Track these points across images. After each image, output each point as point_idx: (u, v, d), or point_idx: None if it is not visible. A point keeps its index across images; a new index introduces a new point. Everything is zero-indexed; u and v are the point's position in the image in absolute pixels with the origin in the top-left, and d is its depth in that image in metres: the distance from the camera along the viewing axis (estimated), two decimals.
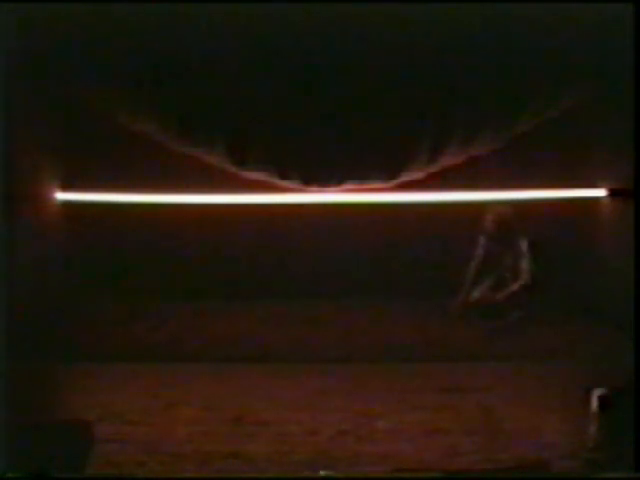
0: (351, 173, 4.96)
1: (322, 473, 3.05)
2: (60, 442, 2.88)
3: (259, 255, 5.63)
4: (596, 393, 3.34)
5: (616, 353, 4.27)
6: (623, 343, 4.25)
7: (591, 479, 3.04)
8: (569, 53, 4.57)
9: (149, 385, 4.19)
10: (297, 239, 5.57)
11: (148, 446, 3.39)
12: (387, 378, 4.25)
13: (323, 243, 5.55)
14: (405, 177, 4.98)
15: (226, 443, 3.44)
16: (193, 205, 5.28)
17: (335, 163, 4.94)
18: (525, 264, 5.05)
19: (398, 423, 3.65)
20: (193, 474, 3.17)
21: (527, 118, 4.83)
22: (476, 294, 5.17)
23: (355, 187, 5.04)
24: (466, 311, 5.15)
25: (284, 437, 3.50)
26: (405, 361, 4.52)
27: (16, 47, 3.97)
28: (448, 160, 4.94)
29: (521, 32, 4.43)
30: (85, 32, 4.47)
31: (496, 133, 4.86)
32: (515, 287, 5.05)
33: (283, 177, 4.98)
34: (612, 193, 5.16)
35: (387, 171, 4.96)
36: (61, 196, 5.37)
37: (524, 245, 5.05)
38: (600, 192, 5.25)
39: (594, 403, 3.33)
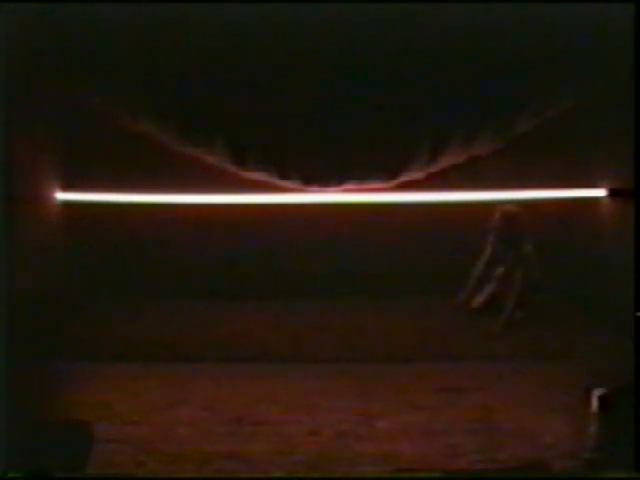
0: (351, 173, 4.96)
1: None
2: (60, 442, 2.88)
3: (259, 255, 5.63)
4: (596, 393, 3.33)
5: (616, 353, 4.27)
6: (623, 343, 4.25)
7: (591, 479, 3.04)
8: (569, 53, 4.57)
9: (149, 385, 4.19)
10: (297, 239, 5.56)
11: (148, 446, 3.39)
12: (387, 378, 4.25)
13: (323, 243, 5.54)
14: (405, 177, 4.99)
15: (226, 443, 3.44)
16: (193, 205, 5.27)
17: (335, 163, 4.95)
18: (530, 263, 5.04)
19: (398, 423, 3.65)
20: (193, 474, 3.17)
21: (527, 118, 4.83)
22: (481, 292, 5.17)
23: (355, 187, 5.04)
24: (470, 309, 5.16)
25: (284, 437, 3.50)
26: (405, 361, 4.52)
27: (16, 47, 3.97)
28: (448, 160, 4.95)
29: (521, 32, 4.44)
30: (85, 32, 4.48)
31: (496, 133, 4.87)
32: (520, 286, 5.04)
33: (283, 177, 4.99)
34: (612, 193, 5.15)
35: (387, 171, 4.97)
36: (61, 196, 5.36)
37: (530, 245, 5.05)
38: (600, 192, 5.24)
39: (594, 403, 3.32)
